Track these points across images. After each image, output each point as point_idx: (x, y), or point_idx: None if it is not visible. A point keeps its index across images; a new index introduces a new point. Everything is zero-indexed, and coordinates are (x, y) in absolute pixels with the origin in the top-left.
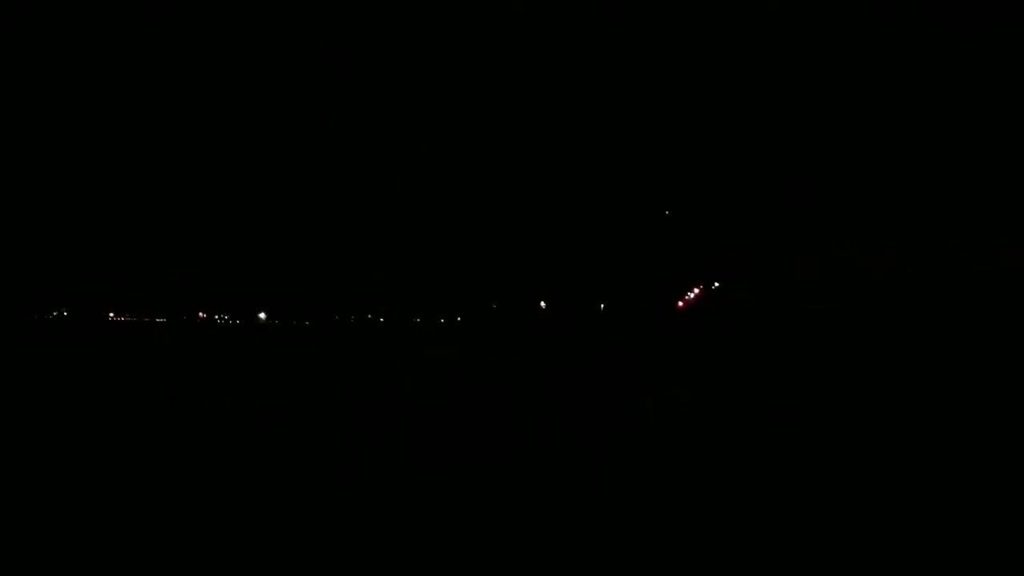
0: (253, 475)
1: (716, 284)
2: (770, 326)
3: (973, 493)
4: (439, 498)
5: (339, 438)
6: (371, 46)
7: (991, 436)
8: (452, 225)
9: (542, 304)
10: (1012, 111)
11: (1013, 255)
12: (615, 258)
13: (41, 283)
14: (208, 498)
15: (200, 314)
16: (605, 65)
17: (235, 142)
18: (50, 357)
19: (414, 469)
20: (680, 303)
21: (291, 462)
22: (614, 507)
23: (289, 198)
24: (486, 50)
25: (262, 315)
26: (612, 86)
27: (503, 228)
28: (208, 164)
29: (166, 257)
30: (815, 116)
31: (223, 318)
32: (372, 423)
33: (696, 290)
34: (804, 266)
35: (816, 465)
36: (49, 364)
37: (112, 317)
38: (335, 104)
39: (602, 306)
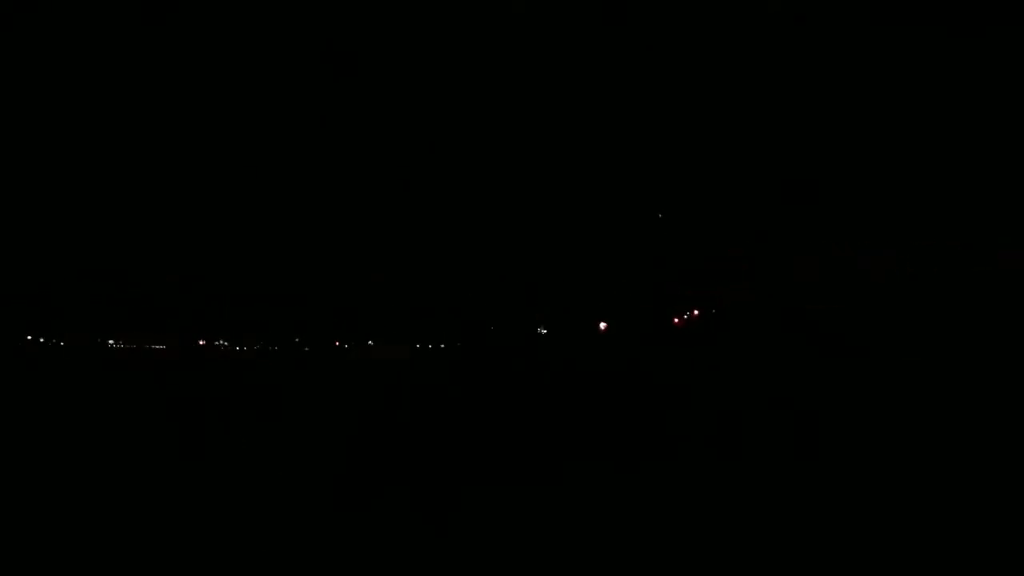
0: (257, 508)
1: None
2: (770, 326)
3: (973, 492)
4: (446, 516)
5: (342, 461)
6: (369, 47)
7: (991, 436)
8: (441, 236)
9: (541, 330)
10: (1012, 111)
11: (1013, 255)
12: (614, 260)
13: (35, 308)
14: (208, 532)
15: (200, 340)
16: (604, 65)
17: (221, 162)
18: (47, 385)
19: (421, 488)
20: (678, 318)
21: (295, 489)
22: (619, 509)
23: (284, 215)
24: (486, 50)
25: (259, 343)
26: (611, 86)
27: (493, 232)
28: (197, 178)
29: (161, 279)
30: (815, 116)
31: (223, 344)
32: (375, 445)
33: (694, 308)
34: (804, 266)
35: (817, 464)
36: (46, 392)
37: (111, 344)
38: (330, 108)
39: (602, 324)
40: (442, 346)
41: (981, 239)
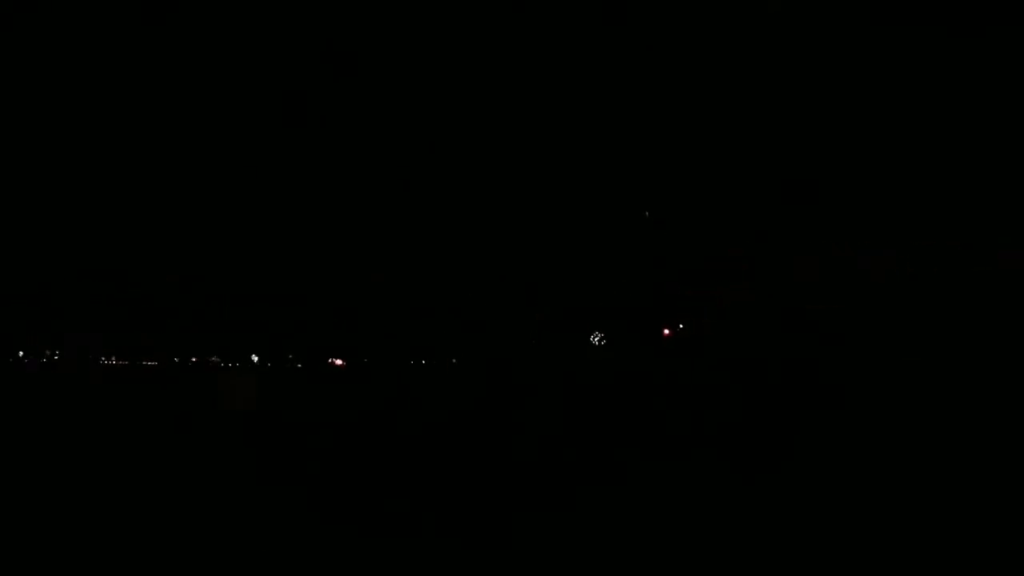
0: (254, 532)
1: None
2: (770, 326)
3: (973, 492)
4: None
5: (341, 478)
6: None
7: (991, 436)
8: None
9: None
10: (1012, 111)
11: (1013, 255)
12: (613, 262)
13: (25, 324)
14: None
15: (192, 358)
16: (603, 65)
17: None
18: (40, 403)
19: (423, 501)
20: (671, 329)
21: (292, 515)
22: (625, 520)
23: (275, 228)
24: (486, 50)
25: (254, 357)
26: (610, 86)
27: (485, 233)
28: (183, 194)
29: (153, 295)
30: (815, 116)
31: (216, 361)
32: (374, 468)
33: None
34: (804, 266)
35: (816, 464)
36: (39, 411)
37: (104, 361)
38: (325, 116)
39: (600, 333)
40: (436, 361)
41: (981, 239)
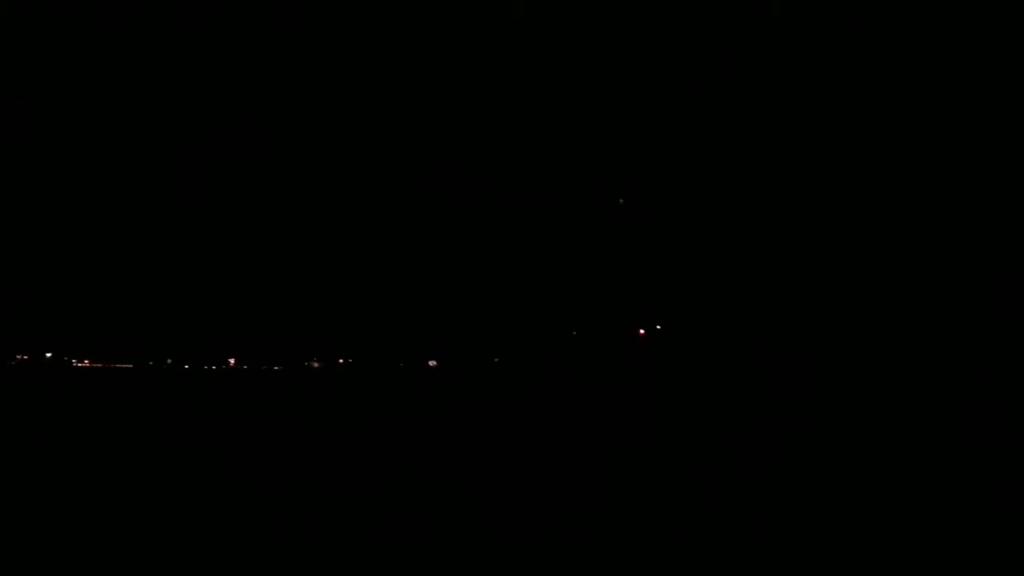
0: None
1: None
2: (769, 325)
3: (973, 492)
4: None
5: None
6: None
7: (991, 436)
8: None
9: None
10: (1012, 111)
11: (1013, 255)
12: (610, 260)
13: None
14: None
15: (168, 360)
16: (602, 65)
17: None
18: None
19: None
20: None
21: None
22: (618, 514)
23: (257, 229)
24: (486, 51)
25: (231, 360)
26: (610, 84)
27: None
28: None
29: (131, 297)
30: (815, 116)
31: (192, 364)
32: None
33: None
34: (804, 266)
35: (816, 466)
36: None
37: (76, 363)
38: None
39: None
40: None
41: (981, 239)
